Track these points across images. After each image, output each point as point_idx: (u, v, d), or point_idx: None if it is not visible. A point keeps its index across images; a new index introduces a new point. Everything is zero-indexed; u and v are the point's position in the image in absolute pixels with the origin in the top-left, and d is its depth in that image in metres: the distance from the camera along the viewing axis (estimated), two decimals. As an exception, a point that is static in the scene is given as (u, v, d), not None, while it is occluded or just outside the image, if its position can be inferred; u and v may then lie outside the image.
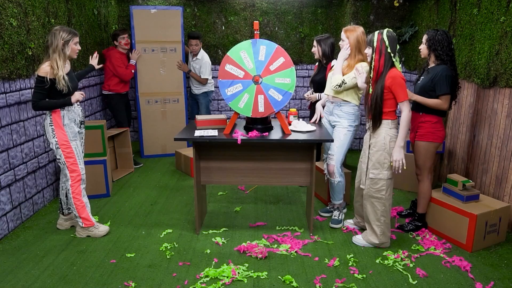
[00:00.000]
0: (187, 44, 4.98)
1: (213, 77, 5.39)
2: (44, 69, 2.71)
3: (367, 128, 2.84)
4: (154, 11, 4.84)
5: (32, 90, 3.38)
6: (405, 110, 2.63)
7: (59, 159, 2.90)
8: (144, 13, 4.82)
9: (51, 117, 2.84)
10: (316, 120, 3.34)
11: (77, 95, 2.91)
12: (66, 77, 2.78)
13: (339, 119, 3.14)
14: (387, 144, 2.69)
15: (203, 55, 4.94)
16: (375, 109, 2.67)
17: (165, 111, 5.14)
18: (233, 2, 5.67)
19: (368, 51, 2.74)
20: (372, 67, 2.68)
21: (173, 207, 3.63)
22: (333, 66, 3.29)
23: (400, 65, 2.68)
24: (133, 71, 4.70)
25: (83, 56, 4.37)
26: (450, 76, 2.88)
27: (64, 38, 2.74)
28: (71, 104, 2.87)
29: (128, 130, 4.57)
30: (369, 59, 2.75)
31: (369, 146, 2.78)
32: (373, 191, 2.76)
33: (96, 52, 3.29)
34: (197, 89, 5.05)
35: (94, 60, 3.25)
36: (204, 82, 4.96)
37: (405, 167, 2.69)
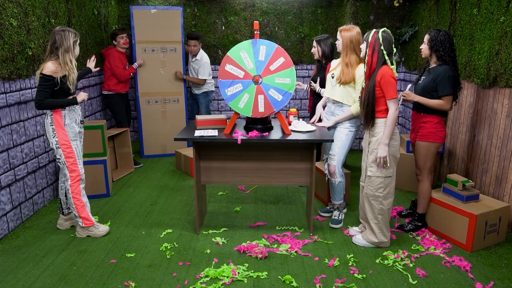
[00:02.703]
0: (187, 44, 4.98)
1: (213, 77, 5.39)
2: (50, 68, 2.71)
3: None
4: (154, 11, 4.84)
5: (35, 89, 3.41)
6: (392, 109, 2.63)
7: (59, 158, 2.90)
8: (144, 13, 4.82)
9: (51, 116, 2.83)
10: (315, 121, 3.33)
11: (83, 95, 2.93)
12: (75, 76, 2.83)
13: (340, 120, 3.14)
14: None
15: (202, 56, 4.94)
16: (367, 106, 2.69)
17: (165, 111, 5.14)
18: (233, 2, 5.67)
19: (362, 46, 2.76)
20: (365, 62, 2.69)
21: (173, 207, 3.63)
22: (331, 68, 3.28)
23: (394, 66, 2.67)
24: (132, 73, 4.71)
25: (83, 56, 4.37)
26: (453, 76, 2.87)
27: (73, 38, 2.79)
28: (77, 103, 2.89)
29: (128, 130, 4.57)
30: (361, 54, 2.77)
31: (368, 144, 2.78)
32: (371, 189, 2.77)
33: (93, 56, 3.29)
34: (197, 89, 5.05)
35: (91, 63, 3.25)
36: (201, 83, 4.96)
37: (388, 165, 2.69)
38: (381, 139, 2.66)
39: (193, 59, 4.98)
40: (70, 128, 2.89)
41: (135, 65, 4.79)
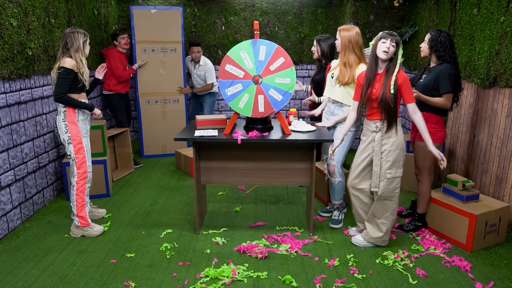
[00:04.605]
0: (190, 51, 4.94)
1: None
2: (71, 63, 2.84)
3: (376, 130, 2.70)
4: (154, 11, 4.84)
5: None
6: (418, 111, 2.68)
7: (69, 155, 2.96)
8: (144, 13, 4.82)
9: (65, 113, 2.91)
10: (314, 123, 3.29)
11: (99, 111, 3.07)
12: (87, 73, 2.96)
13: (340, 119, 3.14)
14: (403, 142, 2.70)
15: (205, 61, 4.97)
16: (390, 109, 2.62)
17: (165, 111, 5.14)
18: (233, 2, 5.67)
19: (391, 47, 2.57)
20: (398, 67, 2.61)
21: (173, 207, 3.63)
22: (331, 68, 3.29)
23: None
24: (131, 74, 4.71)
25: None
26: (453, 74, 2.87)
27: (82, 38, 2.92)
28: (91, 110, 3.01)
29: (128, 130, 4.57)
30: (386, 57, 2.59)
31: (382, 146, 2.71)
32: (388, 191, 2.74)
33: (103, 65, 3.27)
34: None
35: (100, 74, 3.23)
36: (210, 87, 5.02)
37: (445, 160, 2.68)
38: (427, 142, 2.66)
39: (197, 66, 5.00)
40: (83, 124, 2.99)
41: (135, 66, 4.79)
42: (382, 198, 2.77)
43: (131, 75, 4.72)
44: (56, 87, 2.83)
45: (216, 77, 5.41)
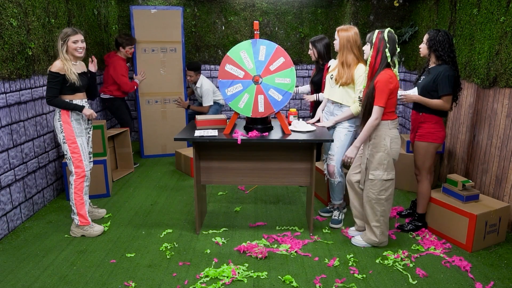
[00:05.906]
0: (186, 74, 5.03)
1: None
2: (57, 66, 2.85)
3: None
4: (154, 11, 4.84)
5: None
6: (374, 116, 2.62)
7: (66, 154, 2.99)
8: (144, 13, 4.82)
9: (60, 113, 2.93)
10: (314, 123, 3.33)
11: (91, 111, 3.02)
12: (75, 73, 2.91)
13: (340, 119, 3.14)
14: (388, 145, 2.68)
15: (202, 83, 4.98)
16: (365, 107, 2.68)
17: (165, 111, 5.14)
18: (233, 2, 5.67)
19: (366, 48, 2.72)
20: (368, 63, 2.67)
21: (173, 207, 3.63)
22: (329, 66, 3.30)
23: (396, 69, 2.65)
24: (135, 87, 4.72)
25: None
26: (453, 76, 2.87)
27: (62, 38, 2.86)
28: (81, 111, 2.97)
29: (128, 130, 4.57)
30: (365, 56, 2.74)
31: (368, 147, 2.77)
32: (373, 193, 2.75)
33: (93, 58, 3.19)
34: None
35: (93, 66, 3.16)
36: (206, 110, 5.03)
37: (350, 165, 2.81)
38: (356, 142, 2.73)
39: (195, 87, 5.07)
40: (77, 124, 2.98)
41: (137, 80, 4.79)
42: (368, 200, 2.78)
43: (135, 87, 4.72)
44: (46, 90, 2.87)
45: (216, 77, 5.43)
